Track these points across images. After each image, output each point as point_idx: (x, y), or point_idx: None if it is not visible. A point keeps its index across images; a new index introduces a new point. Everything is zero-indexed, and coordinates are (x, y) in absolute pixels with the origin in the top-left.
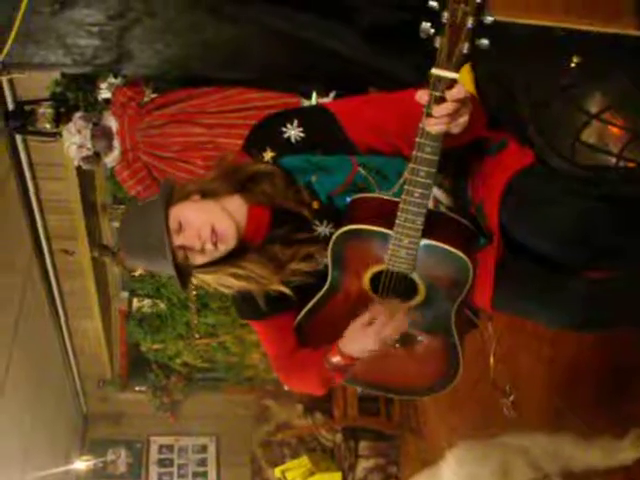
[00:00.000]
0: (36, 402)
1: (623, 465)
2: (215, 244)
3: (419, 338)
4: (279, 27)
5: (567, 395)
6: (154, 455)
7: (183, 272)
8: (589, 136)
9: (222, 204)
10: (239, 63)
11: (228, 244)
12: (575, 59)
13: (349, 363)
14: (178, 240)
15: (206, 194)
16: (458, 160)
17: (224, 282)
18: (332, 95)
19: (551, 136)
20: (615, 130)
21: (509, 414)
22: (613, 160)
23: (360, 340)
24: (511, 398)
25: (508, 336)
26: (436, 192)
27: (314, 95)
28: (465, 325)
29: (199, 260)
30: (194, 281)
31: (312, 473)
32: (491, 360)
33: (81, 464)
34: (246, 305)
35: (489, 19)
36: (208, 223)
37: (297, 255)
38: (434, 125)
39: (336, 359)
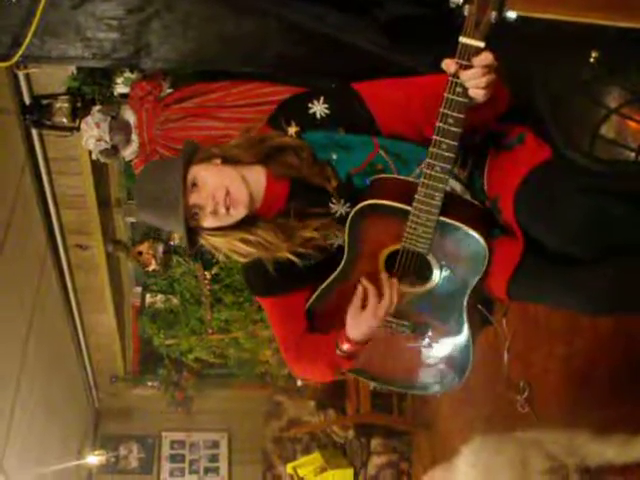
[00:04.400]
0: (49, 397)
1: (639, 461)
2: (228, 209)
3: (431, 327)
4: (297, 21)
5: (582, 391)
6: (166, 450)
7: (192, 231)
8: (608, 131)
9: (241, 172)
10: (257, 57)
11: (239, 211)
12: (594, 54)
13: (358, 348)
14: (192, 199)
15: (228, 160)
16: (475, 154)
17: (233, 247)
18: None
19: (569, 131)
20: (634, 125)
21: (523, 410)
22: (632, 154)
23: (361, 323)
24: (525, 394)
25: (522, 333)
26: (452, 183)
27: None
28: (479, 322)
29: (209, 222)
30: (203, 242)
31: (324, 469)
32: (505, 356)
33: (93, 459)
34: (257, 280)
35: None
36: (223, 186)
37: (309, 225)
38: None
39: (346, 346)
